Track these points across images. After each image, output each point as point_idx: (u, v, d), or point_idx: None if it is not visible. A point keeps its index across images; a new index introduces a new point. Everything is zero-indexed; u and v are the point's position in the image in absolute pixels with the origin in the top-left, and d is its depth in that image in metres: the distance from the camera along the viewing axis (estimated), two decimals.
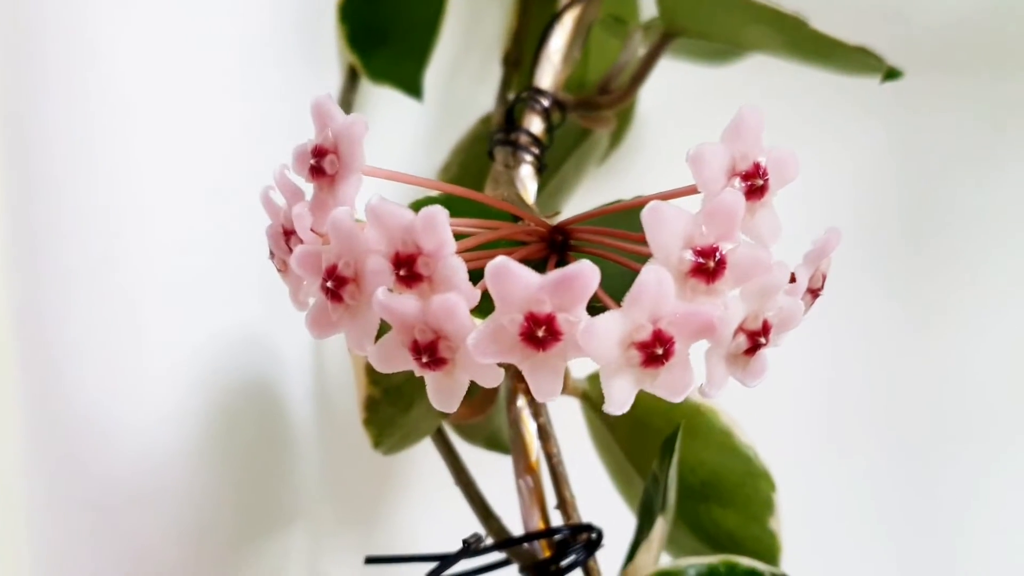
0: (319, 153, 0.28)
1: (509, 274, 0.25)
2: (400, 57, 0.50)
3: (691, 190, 0.27)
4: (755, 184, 0.26)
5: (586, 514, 0.40)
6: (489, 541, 0.39)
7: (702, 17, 0.43)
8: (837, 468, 0.53)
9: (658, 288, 0.25)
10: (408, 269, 0.25)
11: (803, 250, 0.63)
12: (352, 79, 0.52)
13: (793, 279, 0.27)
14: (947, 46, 0.61)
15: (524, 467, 0.39)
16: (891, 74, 0.40)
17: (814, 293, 0.29)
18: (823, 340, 0.52)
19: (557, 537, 0.38)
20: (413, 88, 0.49)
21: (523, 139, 0.44)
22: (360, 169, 0.27)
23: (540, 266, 0.32)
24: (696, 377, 0.26)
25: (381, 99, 0.52)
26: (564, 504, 0.39)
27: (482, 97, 0.52)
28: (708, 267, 0.25)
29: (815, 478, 0.51)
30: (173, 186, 0.45)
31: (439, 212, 0.25)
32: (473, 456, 0.45)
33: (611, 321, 0.25)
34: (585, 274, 0.24)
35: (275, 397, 0.44)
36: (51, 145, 0.43)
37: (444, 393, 0.26)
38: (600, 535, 0.38)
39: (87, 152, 0.43)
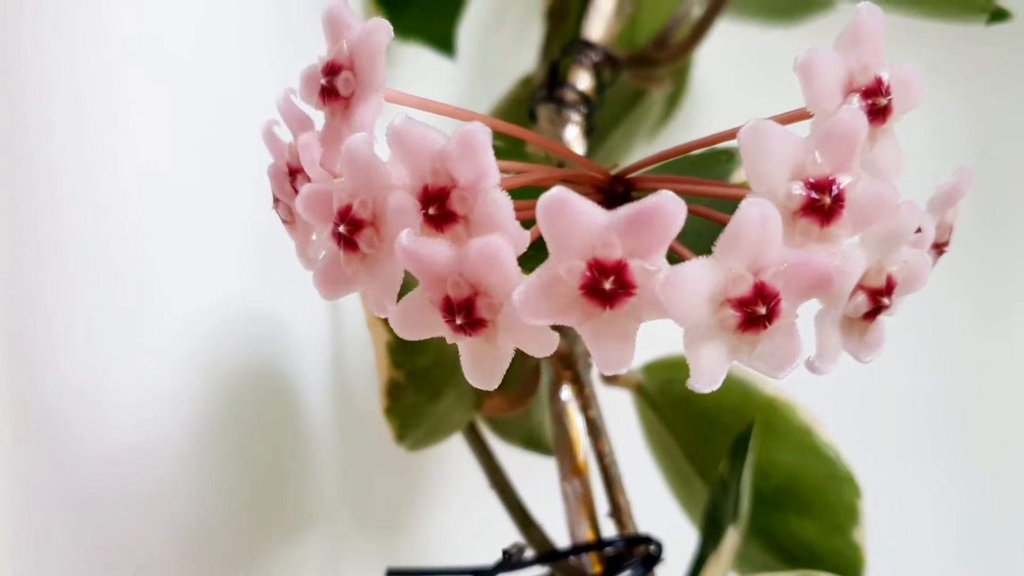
0: (332, 70, 0.22)
1: (568, 209, 0.19)
2: (431, 11, 0.45)
3: (801, 115, 0.21)
4: (877, 104, 0.21)
5: (640, 523, 0.35)
6: (531, 553, 0.34)
7: None
8: (927, 472, 0.47)
9: (763, 228, 0.19)
10: (440, 206, 0.20)
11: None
12: None
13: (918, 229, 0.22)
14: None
15: (570, 469, 0.34)
16: (998, 15, 0.34)
17: (938, 248, 0.23)
18: (910, 324, 0.47)
19: (609, 550, 0.33)
20: (445, 44, 0.44)
21: (570, 96, 0.39)
22: (381, 89, 0.22)
23: None
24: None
25: (409, 61, 0.47)
26: (618, 511, 0.33)
27: (522, 56, 0.47)
28: (823, 204, 0.20)
29: (902, 483, 0.45)
30: (168, 144, 0.40)
31: (479, 131, 0.20)
32: (511, 455, 0.39)
33: (701, 270, 0.19)
34: (668, 208, 0.19)
35: (285, 382, 0.39)
36: (41, 123, 0.38)
37: (483, 365, 0.21)
38: (660, 548, 0.33)
39: (75, 124, 0.38)
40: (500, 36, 0.49)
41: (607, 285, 0.19)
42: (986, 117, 0.56)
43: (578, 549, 0.33)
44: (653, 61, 0.42)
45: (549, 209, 0.19)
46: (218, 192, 0.39)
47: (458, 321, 0.20)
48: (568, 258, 0.19)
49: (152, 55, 0.40)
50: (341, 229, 0.21)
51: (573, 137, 0.39)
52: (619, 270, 0.19)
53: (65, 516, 0.35)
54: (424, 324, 0.21)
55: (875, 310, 0.21)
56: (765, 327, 0.20)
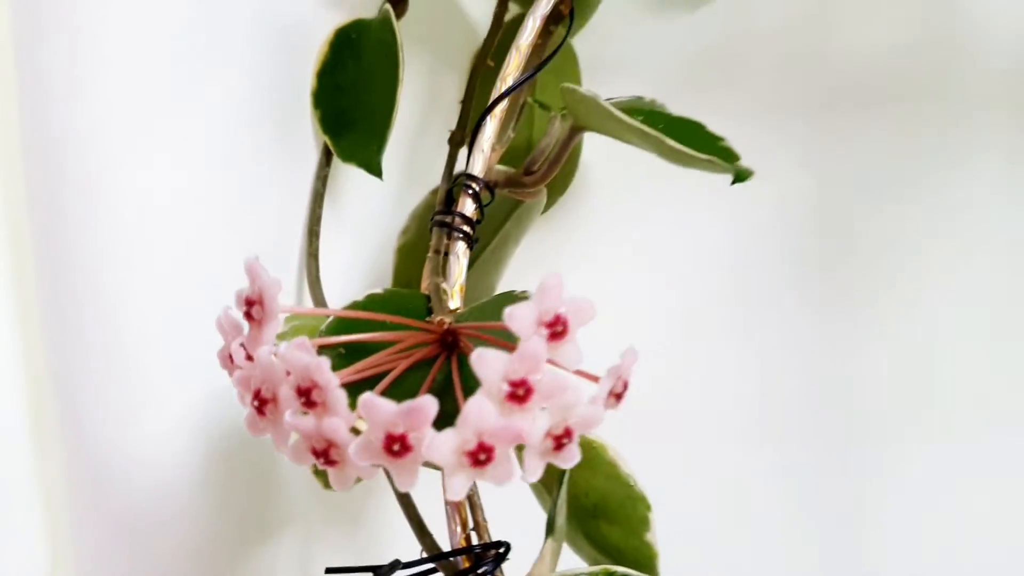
0: (249, 303, 0.38)
1: (373, 405, 0.35)
2: (363, 141, 0.59)
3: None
4: (556, 330, 0.36)
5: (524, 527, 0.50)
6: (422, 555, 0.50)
7: (594, 121, 0.52)
8: (723, 482, 0.63)
9: (479, 413, 0.35)
10: (307, 398, 0.36)
11: (738, 274, 0.71)
12: (327, 155, 0.62)
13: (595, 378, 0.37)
14: (862, 85, 0.69)
15: None
16: (739, 177, 0.48)
17: (618, 396, 0.38)
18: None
19: (474, 553, 0.48)
20: (374, 170, 0.58)
21: (456, 221, 0.54)
22: (277, 317, 0.38)
23: (433, 362, 0.42)
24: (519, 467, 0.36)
25: (354, 168, 0.62)
26: (478, 527, 0.49)
27: (439, 168, 0.61)
28: (518, 394, 0.35)
29: (699, 493, 0.62)
30: (168, 246, 0.55)
31: (323, 363, 0.35)
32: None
33: (447, 437, 0.35)
34: (426, 406, 0.35)
35: None
36: (60, 224, 0.53)
37: (339, 481, 0.37)
38: (508, 549, 0.48)
39: (90, 229, 0.53)
40: (423, 151, 0.63)
41: (396, 447, 0.35)
42: (829, 166, 0.69)
43: (453, 553, 0.48)
44: (523, 184, 0.57)
45: (363, 406, 0.35)
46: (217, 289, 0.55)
47: (320, 461, 0.36)
48: (375, 431, 0.35)
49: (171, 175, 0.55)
50: (254, 403, 0.37)
51: (460, 251, 0.53)
52: (402, 439, 0.35)
53: (114, 538, 0.51)
54: (305, 459, 0.37)
55: (559, 446, 0.36)
56: (488, 464, 0.35)
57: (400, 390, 0.39)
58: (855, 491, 0.66)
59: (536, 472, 0.36)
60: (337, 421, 0.35)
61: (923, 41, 0.70)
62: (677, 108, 0.67)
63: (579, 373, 0.38)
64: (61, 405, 0.53)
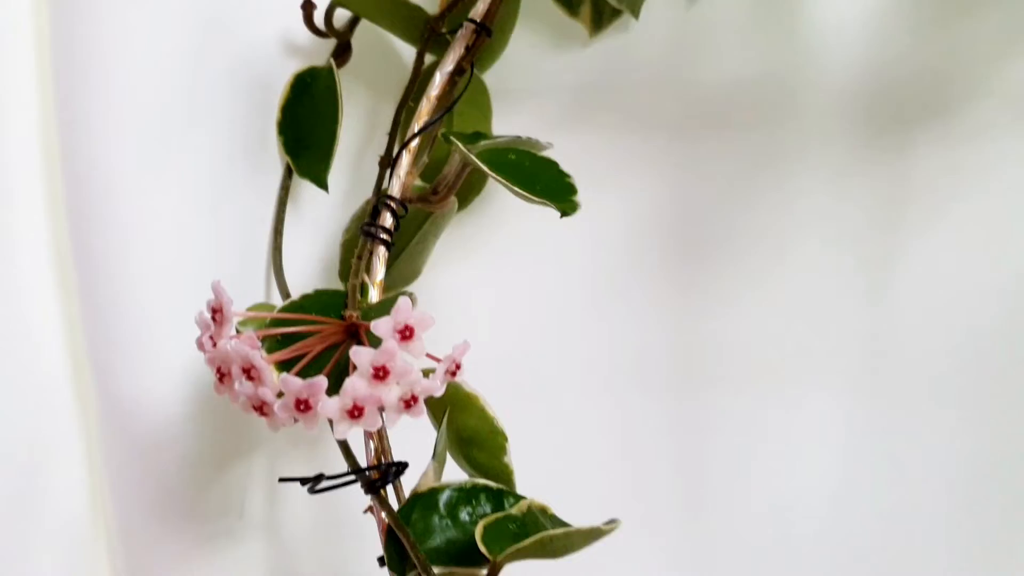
0: (214, 311, 0.58)
1: (287, 381, 0.55)
2: (315, 162, 0.79)
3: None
4: (405, 334, 0.56)
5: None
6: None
7: (471, 162, 0.71)
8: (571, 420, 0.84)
9: (353, 387, 0.55)
10: (248, 375, 0.56)
11: (617, 258, 0.88)
12: (289, 171, 0.81)
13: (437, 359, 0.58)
14: (715, 109, 0.86)
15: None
16: (564, 213, 0.67)
17: (452, 374, 0.59)
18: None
19: (382, 468, 0.69)
20: (322, 185, 0.78)
21: (378, 231, 0.74)
22: (232, 321, 0.58)
23: (340, 345, 0.63)
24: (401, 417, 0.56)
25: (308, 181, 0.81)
26: (384, 451, 0.70)
27: (373, 181, 0.80)
28: (379, 374, 0.55)
29: (572, 428, 0.82)
30: (171, 242, 0.75)
31: (257, 354, 0.56)
32: None
33: (334, 401, 0.55)
34: (320, 382, 0.55)
35: None
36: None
37: (271, 426, 0.57)
38: (406, 466, 0.69)
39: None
40: (365, 164, 0.83)
41: (302, 407, 0.55)
42: (690, 181, 0.87)
43: (367, 469, 0.69)
44: (431, 202, 0.76)
45: (282, 382, 0.55)
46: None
47: (258, 413, 0.57)
48: (289, 397, 0.55)
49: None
50: (217, 375, 0.57)
51: (382, 254, 0.73)
52: (306, 402, 0.55)
53: (131, 460, 0.73)
54: (249, 411, 0.57)
55: (408, 407, 0.56)
56: (360, 417, 0.55)
57: (316, 364, 0.60)
58: (701, 436, 0.85)
59: (393, 421, 0.57)
60: (266, 390, 0.56)
61: (766, 74, 0.86)
62: (569, 126, 0.86)
63: (429, 356, 0.58)
64: (92, 362, 0.74)
